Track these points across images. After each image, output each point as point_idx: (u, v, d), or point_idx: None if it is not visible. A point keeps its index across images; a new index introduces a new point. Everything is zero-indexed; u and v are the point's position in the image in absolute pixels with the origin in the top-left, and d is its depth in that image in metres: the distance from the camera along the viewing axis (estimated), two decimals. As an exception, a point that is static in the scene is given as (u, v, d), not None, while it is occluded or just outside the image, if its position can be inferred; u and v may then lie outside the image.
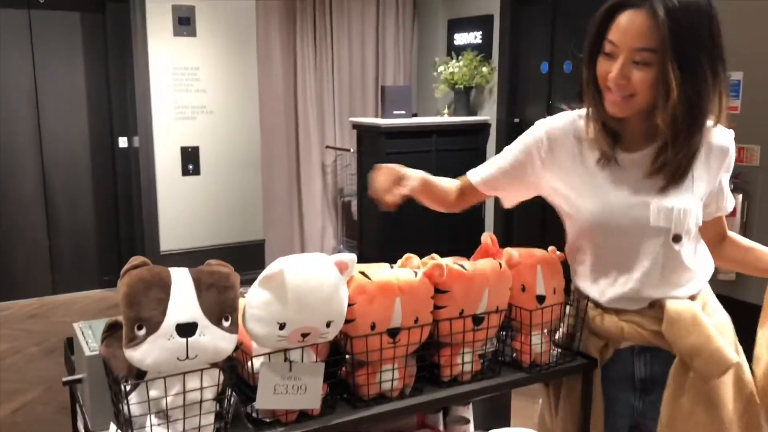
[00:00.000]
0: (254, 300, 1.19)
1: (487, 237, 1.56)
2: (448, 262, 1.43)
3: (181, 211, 5.19)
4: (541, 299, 1.50)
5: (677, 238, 1.45)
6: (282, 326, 1.18)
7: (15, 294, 5.06)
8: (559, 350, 1.57)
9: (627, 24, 1.36)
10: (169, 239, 5.18)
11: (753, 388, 1.54)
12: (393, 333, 1.32)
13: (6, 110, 4.90)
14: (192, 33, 5.08)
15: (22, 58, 4.91)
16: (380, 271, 1.34)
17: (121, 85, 5.16)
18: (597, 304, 1.55)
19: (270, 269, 1.18)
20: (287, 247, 6.05)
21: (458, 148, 5.54)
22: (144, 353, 1.13)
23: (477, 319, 1.42)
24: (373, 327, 1.30)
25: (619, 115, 1.44)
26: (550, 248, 1.58)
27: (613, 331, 1.51)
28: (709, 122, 1.45)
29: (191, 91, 5.14)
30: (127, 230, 5.34)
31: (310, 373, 1.24)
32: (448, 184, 1.73)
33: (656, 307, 1.48)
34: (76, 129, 5.16)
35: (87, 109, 5.17)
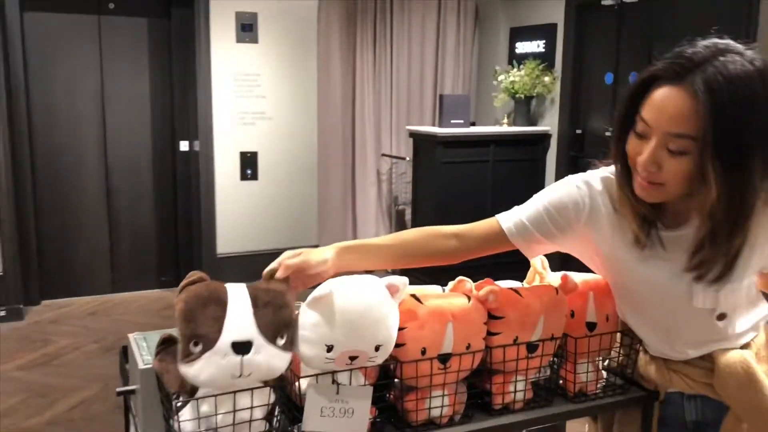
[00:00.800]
0: (303, 321, 1.18)
1: (538, 259, 1.51)
2: (503, 286, 1.39)
3: (239, 215, 5.27)
4: (591, 326, 1.45)
5: (722, 317, 1.35)
6: (330, 348, 1.17)
7: (76, 291, 5.23)
8: (615, 381, 1.51)
9: (662, 102, 1.17)
10: (226, 242, 5.26)
11: None
12: (444, 359, 1.29)
13: (73, 112, 5.07)
14: (254, 39, 5.16)
15: (91, 61, 5.07)
16: (432, 295, 1.32)
17: (183, 89, 5.27)
18: (644, 349, 1.49)
19: (319, 291, 1.17)
20: (341, 253, 6.05)
21: (517, 159, 5.47)
22: (199, 370, 1.13)
23: (531, 347, 1.37)
24: (423, 352, 1.27)
25: (648, 200, 1.28)
26: (608, 274, 1.52)
27: (660, 379, 1.45)
28: None
29: (252, 96, 5.22)
30: (185, 232, 5.46)
31: (357, 396, 1.22)
32: (416, 235, 1.46)
33: (706, 358, 1.39)
34: (139, 132, 5.30)
35: (150, 113, 5.31)
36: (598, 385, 1.49)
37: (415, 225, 5.67)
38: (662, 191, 1.24)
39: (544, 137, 5.53)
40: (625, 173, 1.30)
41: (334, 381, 1.21)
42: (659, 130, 1.18)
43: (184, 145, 5.37)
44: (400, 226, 6.17)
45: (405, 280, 1.25)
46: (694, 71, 1.15)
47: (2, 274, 4.65)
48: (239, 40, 5.11)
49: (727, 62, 1.14)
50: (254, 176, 5.28)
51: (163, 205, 5.46)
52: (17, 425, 3.30)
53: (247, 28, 5.11)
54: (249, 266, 5.47)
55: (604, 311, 1.48)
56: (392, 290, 1.24)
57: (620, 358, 1.52)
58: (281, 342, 1.16)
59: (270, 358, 1.14)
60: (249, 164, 5.26)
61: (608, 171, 1.39)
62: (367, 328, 1.18)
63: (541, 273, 1.51)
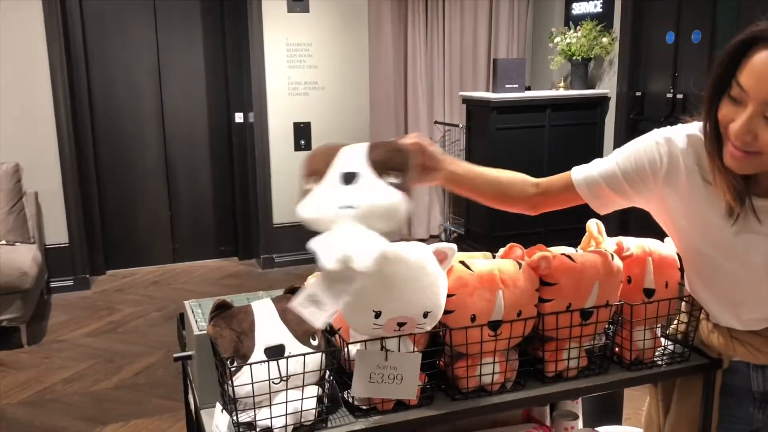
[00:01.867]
0: (350, 287, 1.18)
1: (593, 224, 1.47)
2: (555, 252, 1.36)
3: (294, 185, 5.31)
4: (649, 293, 1.41)
5: None
6: (378, 315, 1.17)
7: (139, 261, 5.40)
8: (674, 348, 1.47)
9: (762, 68, 1.11)
10: (281, 212, 5.32)
11: None
12: (494, 326, 1.27)
13: (131, 88, 5.18)
14: (305, 9, 5.14)
15: (147, 37, 5.16)
16: (482, 262, 1.30)
17: (237, 62, 5.31)
18: (707, 316, 1.44)
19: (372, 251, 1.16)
20: (395, 222, 6.06)
21: (574, 123, 5.33)
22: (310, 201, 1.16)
23: (585, 314, 1.35)
24: (473, 319, 1.26)
25: (738, 171, 1.20)
26: (667, 239, 1.47)
27: (724, 348, 1.40)
28: None
29: (304, 67, 5.22)
30: (242, 203, 5.55)
31: (406, 362, 1.22)
32: (510, 177, 1.46)
33: None
34: (195, 105, 5.38)
35: (205, 86, 5.37)
36: (656, 353, 1.46)
37: (469, 193, 5.61)
38: (755, 161, 1.16)
39: (603, 100, 5.37)
40: (716, 140, 1.22)
41: (382, 347, 1.22)
42: (757, 97, 1.11)
43: (239, 117, 5.42)
44: (454, 195, 6.12)
45: (453, 246, 1.24)
46: None
47: (68, 245, 4.83)
48: (290, 10, 5.10)
49: None
50: (308, 146, 5.30)
51: (221, 177, 5.55)
52: (86, 389, 3.45)
53: (297, -2, 5.09)
54: (304, 236, 5.47)
55: (663, 278, 1.43)
56: (440, 257, 1.23)
57: (680, 325, 1.48)
58: (390, 179, 1.14)
59: (376, 190, 1.12)
60: (302, 135, 5.29)
61: (698, 128, 1.29)
62: (414, 294, 1.17)
63: (597, 238, 1.47)
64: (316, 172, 1.15)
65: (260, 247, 5.37)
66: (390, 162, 1.14)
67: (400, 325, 1.19)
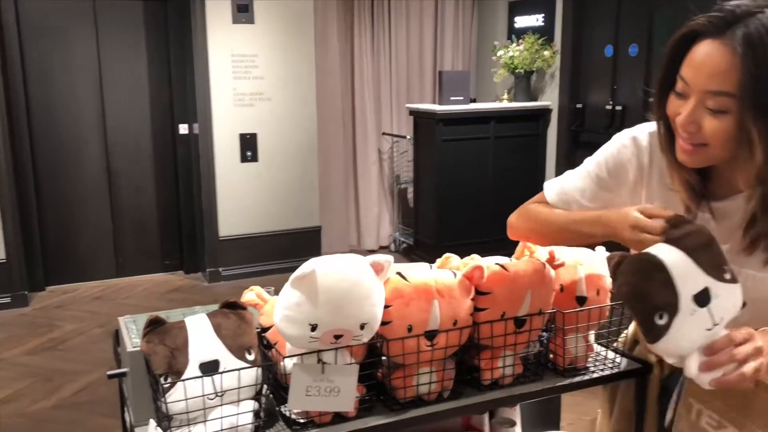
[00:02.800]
0: (286, 300, 1.18)
1: (528, 234, 1.51)
2: (489, 262, 1.39)
3: (240, 197, 5.27)
4: (581, 300, 1.45)
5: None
6: (314, 328, 1.16)
7: (81, 276, 5.26)
8: (610, 355, 1.51)
9: (702, 59, 1.12)
10: (228, 225, 5.26)
11: None
12: (430, 336, 1.29)
13: (72, 97, 5.07)
14: (250, 20, 5.11)
15: (88, 46, 5.06)
16: (418, 273, 1.31)
17: (181, 72, 5.25)
18: None
19: (301, 270, 1.17)
20: (343, 233, 6.08)
21: (518, 134, 5.44)
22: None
23: (519, 322, 1.37)
24: (410, 329, 1.27)
25: (690, 166, 1.22)
26: (598, 248, 1.52)
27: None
28: None
29: (249, 78, 5.19)
30: (187, 216, 5.47)
31: (343, 374, 1.22)
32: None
33: None
34: (139, 116, 5.29)
35: (149, 96, 5.29)
36: (589, 359, 1.49)
37: (417, 204, 5.67)
38: (704, 154, 1.18)
39: (545, 112, 5.50)
40: (668, 137, 1.25)
41: (319, 360, 1.22)
42: (698, 87, 1.14)
43: (183, 128, 5.35)
44: (403, 205, 6.17)
45: (390, 258, 1.25)
46: (736, 25, 1.09)
47: (5, 260, 4.67)
48: (235, 21, 5.07)
49: None
50: (254, 158, 5.27)
51: (165, 189, 5.46)
52: (23, 410, 3.34)
53: (243, 9, 5.06)
54: (251, 248, 5.50)
55: (595, 286, 1.47)
56: (377, 268, 1.23)
57: (612, 331, 1.52)
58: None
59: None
60: (249, 146, 5.25)
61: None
62: (350, 306, 1.17)
63: (530, 248, 1.51)
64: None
65: (206, 260, 5.29)
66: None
67: (337, 337, 1.19)
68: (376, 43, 5.92)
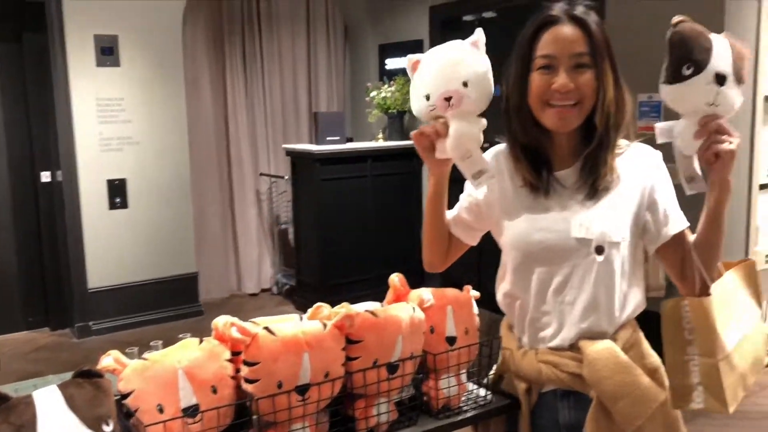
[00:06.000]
0: (412, 86, 1.48)
1: (395, 278, 1.52)
2: (360, 308, 1.39)
3: (110, 246, 5.01)
4: (452, 341, 1.47)
5: (600, 250, 1.42)
6: (428, 97, 1.41)
7: (-71, 341, 4.80)
8: (481, 392, 1.54)
9: (559, 35, 1.43)
10: (98, 276, 4.98)
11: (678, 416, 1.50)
12: (302, 390, 1.26)
13: None
14: (115, 63, 4.93)
15: (-66, 92, 4.69)
16: (286, 326, 1.29)
17: (42, 117, 4.97)
18: (519, 340, 1.53)
19: (413, 56, 1.50)
20: (222, 278, 5.92)
21: (394, 172, 5.55)
22: None
23: (392, 368, 1.38)
24: (280, 386, 1.24)
25: (565, 129, 1.46)
26: (465, 287, 1.56)
27: (531, 372, 1.48)
28: (625, 141, 1.49)
29: (117, 122, 4.99)
30: (52, 268, 5.12)
31: (212, 438, 1.17)
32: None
33: (575, 348, 1.45)
34: (-6, 164, 4.94)
35: (6, 143, 4.96)
36: (462, 399, 1.51)
37: (298, 244, 5.62)
38: (580, 111, 1.43)
39: (419, 150, 5.64)
40: (528, 116, 1.48)
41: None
42: (564, 55, 1.42)
43: (45, 176, 5.05)
44: (284, 245, 6.10)
45: (482, 36, 1.44)
46: (572, 12, 1.45)
47: None
48: (100, 63, 4.87)
49: (584, 5, 1.48)
50: (124, 204, 5.04)
51: (27, 241, 5.10)
52: None
53: (107, 51, 4.88)
54: (124, 299, 5.22)
55: (463, 324, 1.51)
56: (476, 44, 1.43)
57: (482, 369, 1.56)
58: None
59: None
60: (117, 192, 5.02)
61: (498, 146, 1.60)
62: (449, 69, 1.39)
63: (400, 290, 1.52)
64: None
65: (75, 315, 4.97)
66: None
67: (447, 99, 1.38)
68: (250, 86, 5.89)
